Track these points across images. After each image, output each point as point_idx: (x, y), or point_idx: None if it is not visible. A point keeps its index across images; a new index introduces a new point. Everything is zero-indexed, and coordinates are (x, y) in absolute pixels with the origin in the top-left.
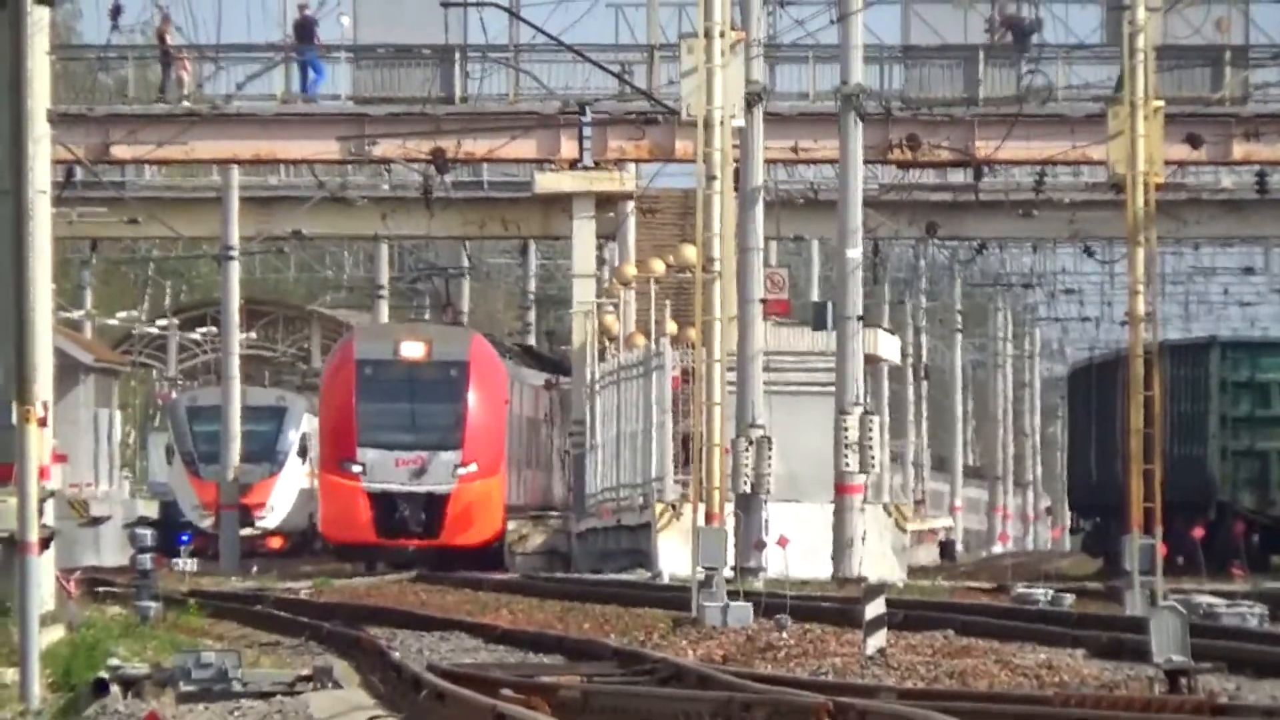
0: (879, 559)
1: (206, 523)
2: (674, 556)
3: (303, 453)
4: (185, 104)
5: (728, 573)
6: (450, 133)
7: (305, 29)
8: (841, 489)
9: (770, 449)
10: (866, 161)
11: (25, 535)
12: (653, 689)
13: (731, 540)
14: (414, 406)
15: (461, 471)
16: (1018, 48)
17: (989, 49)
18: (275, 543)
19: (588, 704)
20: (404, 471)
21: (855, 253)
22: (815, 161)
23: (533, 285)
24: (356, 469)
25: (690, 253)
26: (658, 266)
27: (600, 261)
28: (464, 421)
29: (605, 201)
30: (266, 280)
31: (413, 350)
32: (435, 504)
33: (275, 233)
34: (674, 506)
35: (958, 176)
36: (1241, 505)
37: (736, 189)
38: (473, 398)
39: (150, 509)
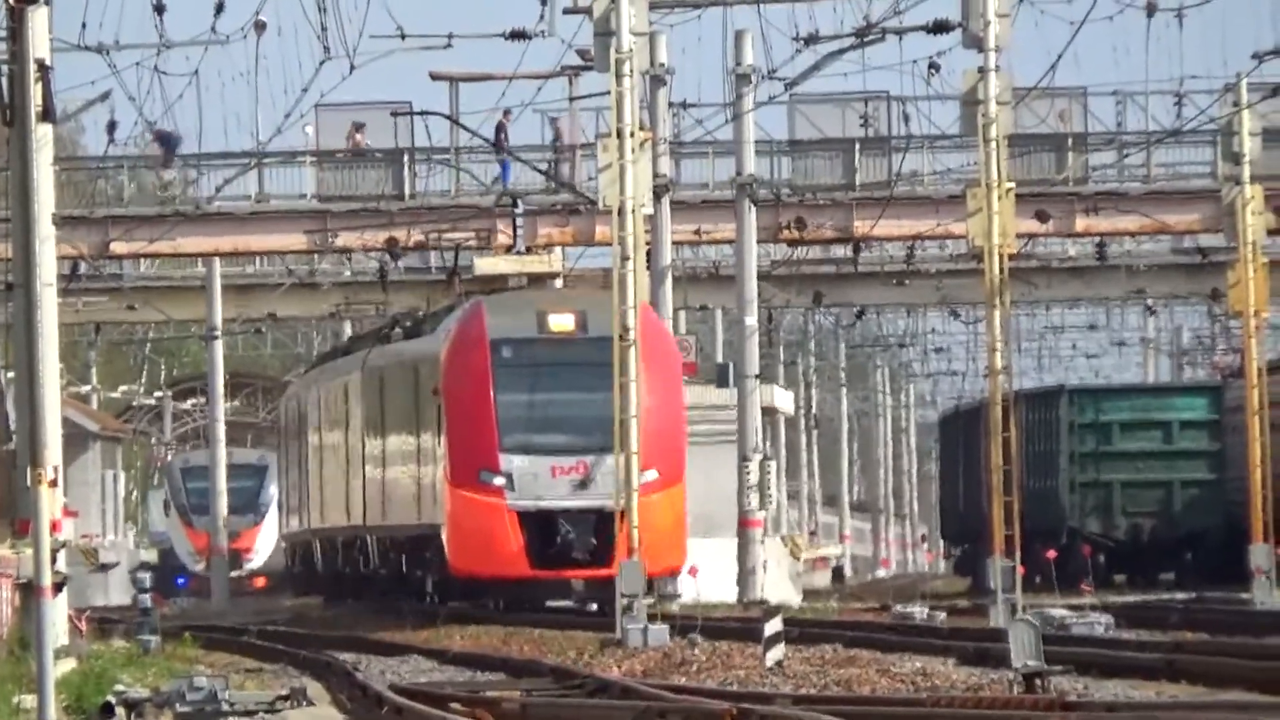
0: (778, 583)
1: (199, 566)
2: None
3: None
4: (176, 205)
5: (647, 599)
6: (402, 224)
7: (497, 132)
8: (744, 523)
9: None
10: (760, 241)
11: (40, 580)
12: (582, 700)
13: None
14: (571, 398)
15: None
16: (165, 160)
17: (863, 141)
18: (259, 582)
19: (526, 715)
20: (563, 484)
21: (752, 320)
22: (716, 242)
23: None
24: (499, 482)
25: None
26: None
27: None
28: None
29: (536, 280)
30: (246, 356)
31: (563, 323)
32: (605, 524)
33: (253, 315)
34: None
35: (839, 252)
36: (1089, 530)
37: (649, 267)
38: (646, 383)
39: (151, 555)
